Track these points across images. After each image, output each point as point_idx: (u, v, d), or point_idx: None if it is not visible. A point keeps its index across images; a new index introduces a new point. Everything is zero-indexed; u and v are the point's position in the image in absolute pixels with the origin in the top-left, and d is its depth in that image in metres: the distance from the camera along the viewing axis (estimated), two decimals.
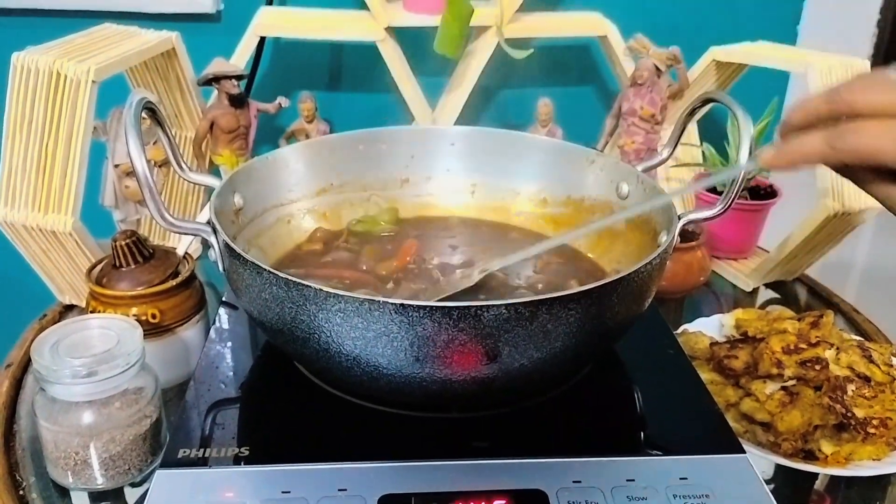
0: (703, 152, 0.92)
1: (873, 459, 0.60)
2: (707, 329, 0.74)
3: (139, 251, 0.66)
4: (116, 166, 0.77)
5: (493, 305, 0.46)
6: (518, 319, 0.46)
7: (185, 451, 0.51)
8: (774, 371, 0.64)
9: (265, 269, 0.49)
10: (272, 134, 0.99)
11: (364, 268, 0.67)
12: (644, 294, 0.55)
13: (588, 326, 0.50)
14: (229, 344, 0.64)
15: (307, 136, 0.95)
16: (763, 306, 0.88)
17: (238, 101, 0.85)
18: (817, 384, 0.63)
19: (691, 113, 0.64)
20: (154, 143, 0.76)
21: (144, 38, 0.78)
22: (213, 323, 0.67)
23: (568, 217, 0.73)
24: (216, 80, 0.83)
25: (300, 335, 0.50)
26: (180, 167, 0.61)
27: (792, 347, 0.65)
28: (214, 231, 0.55)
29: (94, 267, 0.68)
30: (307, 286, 0.47)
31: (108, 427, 0.55)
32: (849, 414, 0.59)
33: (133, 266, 0.66)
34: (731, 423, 0.57)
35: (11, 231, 0.72)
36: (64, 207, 0.70)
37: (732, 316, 0.74)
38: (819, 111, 0.44)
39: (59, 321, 0.78)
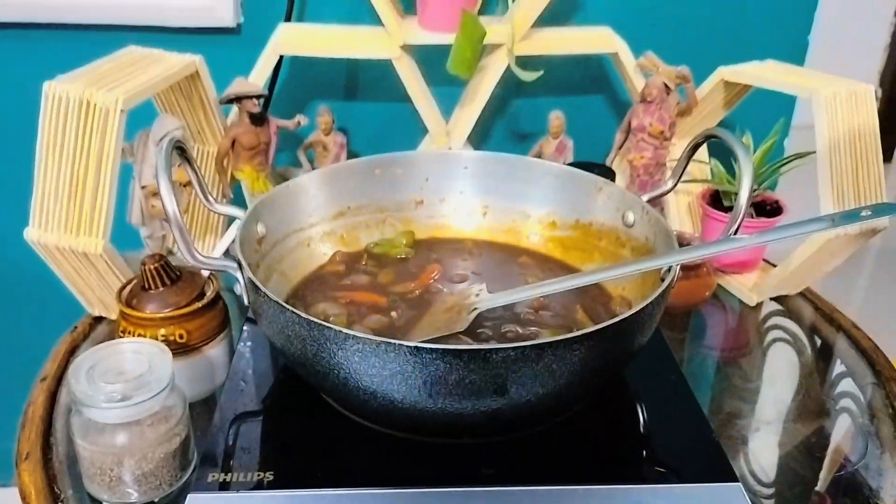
0: (710, 169, 0.94)
1: None
2: None
3: (167, 274, 0.69)
4: (143, 187, 0.80)
5: (501, 349, 0.49)
6: (525, 360, 0.50)
7: (213, 476, 0.55)
8: None
9: (288, 309, 0.52)
10: (291, 144, 1.02)
11: (380, 290, 0.70)
12: (647, 328, 0.57)
13: (592, 363, 0.53)
14: (253, 363, 0.68)
15: (324, 147, 0.98)
16: (766, 319, 0.90)
17: (258, 120, 0.88)
18: None
19: (694, 147, 0.67)
20: (178, 166, 0.79)
21: (169, 63, 0.80)
22: (238, 341, 0.70)
23: (576, 241, 0.76)
24: (237, 99, 0.86)
25: (321, 370, 0.53)
26: (207, 200, 0.65)
27: None
28: (240, 267, 0.58)
29: (123, 288, 0.71)
30: (328, 327, 0.50)
31: (140, 446, 0.59)
32: None
33: (161, 288, 0.69)
34: None
35: (45, 251, 0.75)
36: (95, 230, 0.73)
37: None
38: None
39: (89, 333, 0.83)
